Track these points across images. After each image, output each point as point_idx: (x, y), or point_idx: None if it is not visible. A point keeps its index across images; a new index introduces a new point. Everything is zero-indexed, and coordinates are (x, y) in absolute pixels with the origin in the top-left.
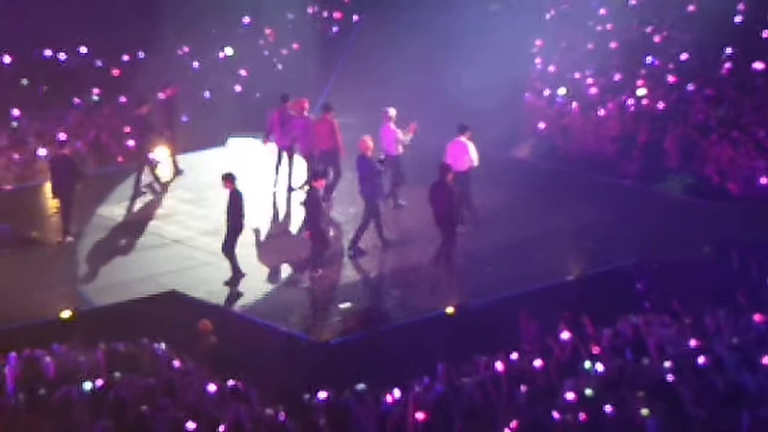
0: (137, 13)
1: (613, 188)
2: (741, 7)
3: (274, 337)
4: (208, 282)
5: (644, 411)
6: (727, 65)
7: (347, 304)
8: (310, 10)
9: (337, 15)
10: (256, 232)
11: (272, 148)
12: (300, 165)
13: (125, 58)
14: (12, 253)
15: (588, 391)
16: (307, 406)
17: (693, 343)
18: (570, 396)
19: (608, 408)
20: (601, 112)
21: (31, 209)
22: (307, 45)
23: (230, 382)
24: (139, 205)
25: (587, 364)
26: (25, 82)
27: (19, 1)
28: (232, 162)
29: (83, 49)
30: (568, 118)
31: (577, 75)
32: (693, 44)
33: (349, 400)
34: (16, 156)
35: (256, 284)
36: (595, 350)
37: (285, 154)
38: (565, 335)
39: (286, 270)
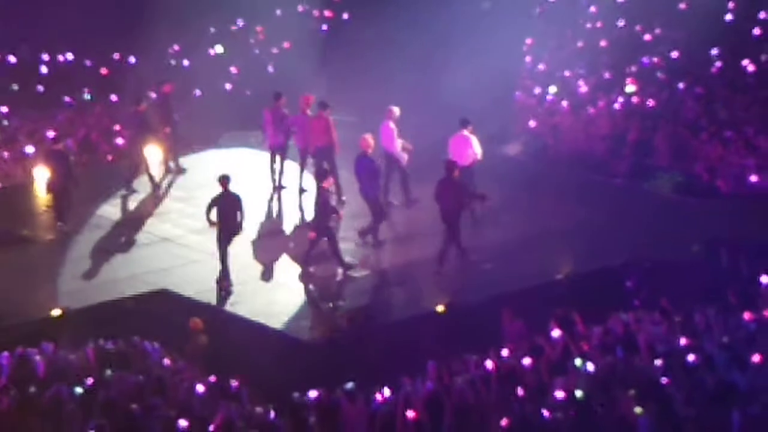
0: (127, 11)
1: (604, 186)
2: (731, 5)
3: (265, 335)
4: (198, 280)
5: (637, 410)
6: (718, 63)
7: (338, 303)
8: (300, 9)
9: (327, 13)
10: (247, 230)
11: (265, 146)
12: (292, 164)
13: (115, 56)
14: (1, 251)
15: (578, 393)
16: (298, 405)
17: (683, 341)
18: (560, 394)
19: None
20: (592, 111)
21: (20, 208)
22: (297, 43)
23: (221, 381)
24: (129, 203)
25: (578, 361)
26: (15, 87)
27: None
28: (224, 161)
29: (73, 49)
30: (559, 117)
31: (567, 73)
32: (683, 42)
33: (340, 399)
34: (6, 154)
35: (246, 283)
36: (586, 348)
37: (277, 153)
38: (556, 333)
39: (276, 268)
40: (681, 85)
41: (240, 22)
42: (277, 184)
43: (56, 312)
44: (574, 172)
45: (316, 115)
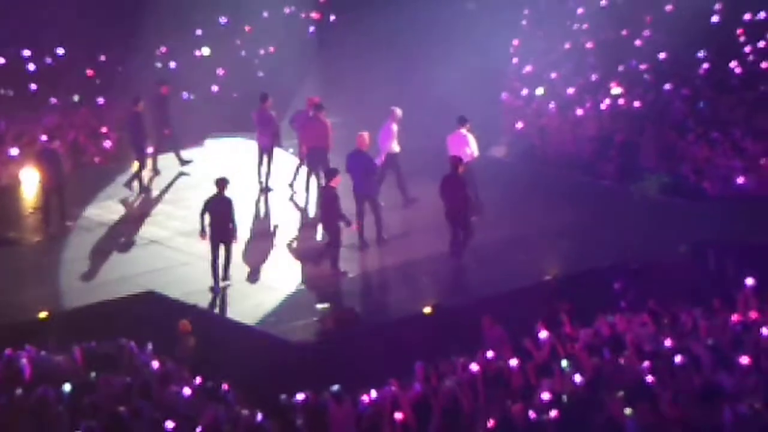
0: (114, 12)
1: (591, 188)
2: (718, 6)
3: (252, 337)
4: (185, 282)
5: (627, 411)
6: (705, 65)
7: (325, 305)
8: (286, 10)
9: (314, 15)
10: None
11: (253, 147)
12: (280, 165)
13: (102, 58)
14: None
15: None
16: (285, 407)
17: (669, 342)
18: (546, 396)
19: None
20: (579, 112)
21: (7, 210)
22: (284, 45)
23: (208, 383)
24: (117, 205)
25: (564, 362)
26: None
27: None
28: (212, 162)
29: (60, 50)
30: (546, 118)
31: (554, 75)
32: (670, 44)
33: (327, 401)
34: None
35: (234, 285)
36: (573, 349)
37: (264, 154)
38: (543, 334)
39: (264, 270)
40: (668, 87)
41: (226, 23)
42: (264, 185)
43: (43, 314)
44: (562, 174)
45: (312, 116)
